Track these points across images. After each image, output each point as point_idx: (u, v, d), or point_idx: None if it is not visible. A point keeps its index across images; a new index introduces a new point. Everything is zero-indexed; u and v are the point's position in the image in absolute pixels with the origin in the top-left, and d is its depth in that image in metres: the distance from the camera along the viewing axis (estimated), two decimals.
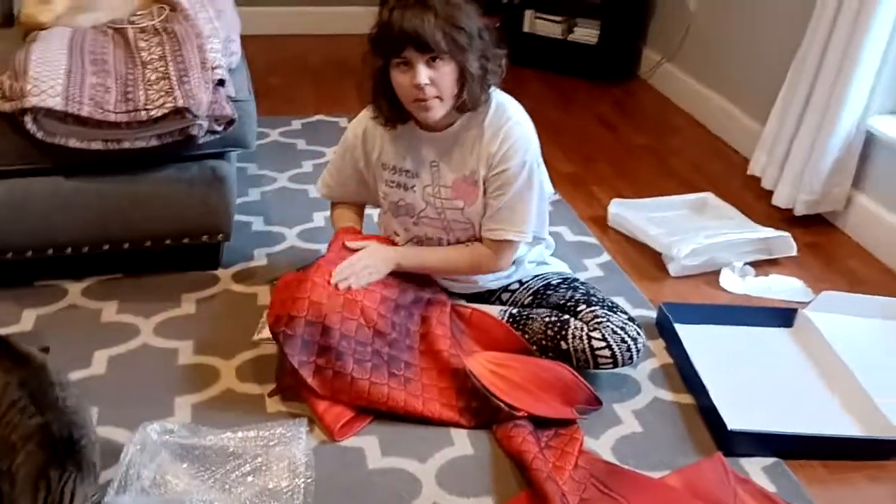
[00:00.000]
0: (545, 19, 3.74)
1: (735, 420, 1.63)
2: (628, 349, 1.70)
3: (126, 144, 1.79)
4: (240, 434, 1.57)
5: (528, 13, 3.77)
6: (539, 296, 1.83)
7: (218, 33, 2.00)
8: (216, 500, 1.43)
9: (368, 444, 1.60)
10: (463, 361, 1.67)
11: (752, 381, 1.85)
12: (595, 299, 1.77)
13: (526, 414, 1.62)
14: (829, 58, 2.38)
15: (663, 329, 1.98)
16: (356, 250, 1.75)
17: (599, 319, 1.71)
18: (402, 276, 1.77)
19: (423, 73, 1.57)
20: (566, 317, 1.74)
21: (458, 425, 1.64)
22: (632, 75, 3.85)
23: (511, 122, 1.69)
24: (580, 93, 3.62)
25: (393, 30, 1.56)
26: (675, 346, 1.90)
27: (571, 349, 1.70)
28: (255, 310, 1.98)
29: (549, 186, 1.86)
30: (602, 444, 1.64)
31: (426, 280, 1.82)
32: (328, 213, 2.42)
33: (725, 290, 2.21)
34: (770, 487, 1.56)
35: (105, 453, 1.43)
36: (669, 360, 1.90)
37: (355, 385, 1.61)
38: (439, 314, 1.74)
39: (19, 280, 2.02)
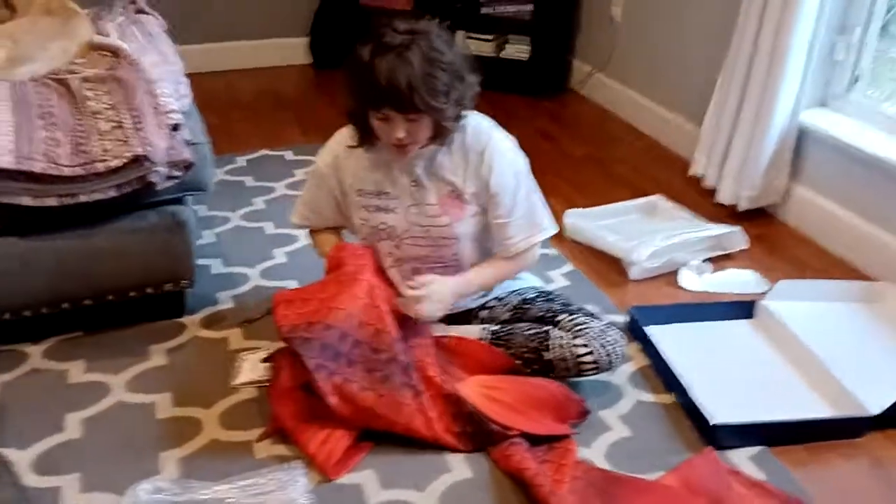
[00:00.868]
0: (476, 38, 3.80)
1: (717, 414, 1.69)
2: (608, 354, 1.73)
3: (82, 198, 1.73)
4: (234, 484, 1.53)
5: (460, 33, 3.82)
6: (517, 310, 1.86)
7: (167, 77, 1.96)
8: None
9: (366, 478, 1.59)
10: (455, 387, 1.68)
11: (725, 374, 1.92)
12: (573, 308, 1.81)
13: (519, 431, 1.63)
14: (759, 57, 2.49)
15: (635, 332, 2.03)
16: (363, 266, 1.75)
17: (581, 326, 1.74)
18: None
19: (401, 129, 1.60)
20: (547, 328, 1.77)
21: (455, 450, 1.65)
22: (564, 88, 3.94)
23: (491, 140, 1.73)
24: (517, 108, 3.69)
25: (373, 85, 1.54)
26: (648, 347, 1.95)
27: (555, 358, 1.73)
28: (227, 354, 1.94)
29: None
30: (595, 453, 1.67)
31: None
32: (288, 248, 2.44)
33: (685, 289, 2.28)
34: (759, 475, 1.62)
35: None
36: (646, 362, 1.95)
37: (363, 395, 1.61)
38: (426, 346, 1.74)
39: None
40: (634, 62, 3.47)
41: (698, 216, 2.58)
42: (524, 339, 1.76)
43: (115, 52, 2.07)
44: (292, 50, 4.16)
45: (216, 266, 2.33)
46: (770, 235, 2.60)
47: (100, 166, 1.71)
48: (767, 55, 2.47)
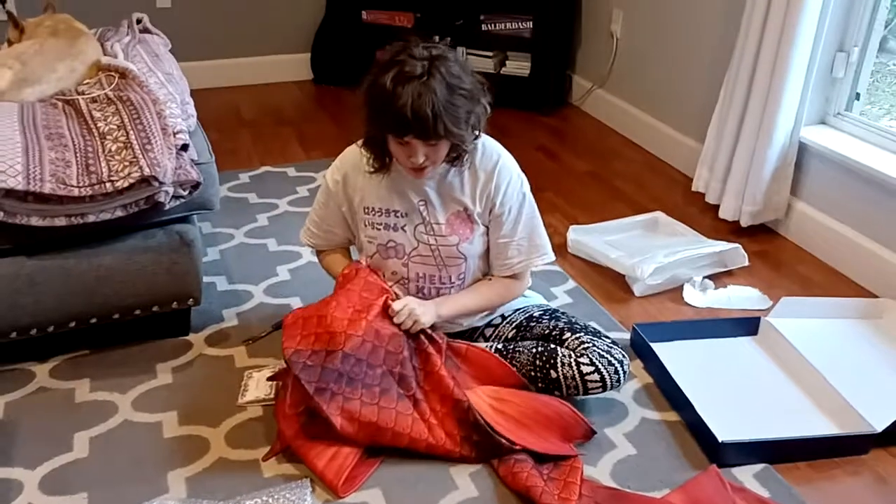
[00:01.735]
0: (477, 55, 3.83)
1: (721, 431, 1.69)
2: (616, 371, 1.75)
3: (91, 218, 1.75)
4: (243, 503, 1.53)
5: (460, 49, 3.85)
6: (522, 329, 1.87)
7: (173, 97, 1.98)
8: None
9: (373, 497, 1.59)
10: (464, 393, 1.69)
11: (729, 391, 1.92)
12: (578, 326, 1.82)
13: (524, 447, 1.64)
14: (760, 74, 2.52)
15: (639, 349, 2.04)
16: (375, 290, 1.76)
17: (586, 345, 1.75)
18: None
19: (421, 154, 1.62)
20: (553, 346, 1.78)
21: (459, 455, 1.66)
22: (564, 103, 3.97)
23: (500, 160, 1.77)
24: (518, 124, 3.71)
25: (397, 114, 1.55)
26: (653, 365, 1.96)
27: (561, 377, 1.74)
28: (234, 372, 1.94)
29: None
30: (601, 471, 1.67)
31: None
32: (292, 265, 2.45)
33: (689, 305, 2.29)
34: (763, 492, 1.62)
35: None
36: (649, 380, 1.95)
37: (365, 410, 1.62)
38: (436, 349, 1.75)
39: None
40: (634, 78, 3.50)
41: (699, 232, 2.59)
42: (530, 357, 1.77)
43: (122, 73, 2.09)
44: (293, 66, 4.19)
45: (221, 283, 2.34)
46: (772, 251, 2.61)
47: (108, 186, 1.72)
48: (768, 72, 2.49)
